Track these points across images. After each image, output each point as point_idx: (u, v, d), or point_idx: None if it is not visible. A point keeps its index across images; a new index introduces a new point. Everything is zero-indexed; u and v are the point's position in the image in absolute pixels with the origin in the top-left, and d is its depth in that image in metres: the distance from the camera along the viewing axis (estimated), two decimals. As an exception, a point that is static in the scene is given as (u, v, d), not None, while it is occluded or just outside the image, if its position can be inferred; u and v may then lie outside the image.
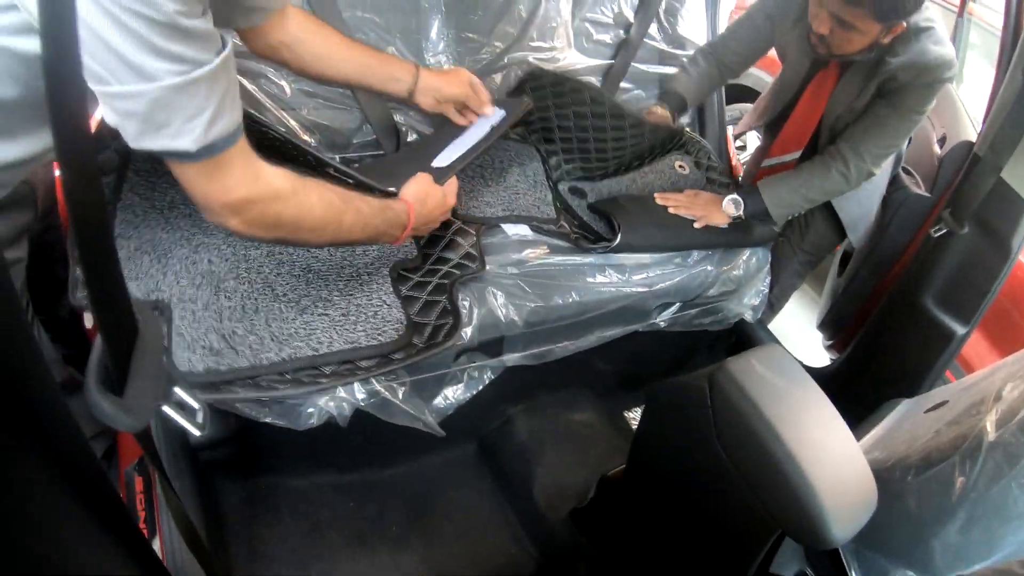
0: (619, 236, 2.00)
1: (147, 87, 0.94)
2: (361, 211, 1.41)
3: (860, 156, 2.10)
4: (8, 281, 0.61)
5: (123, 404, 0.63)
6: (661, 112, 2.34)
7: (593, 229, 2.14)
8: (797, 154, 2.44)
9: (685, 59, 2.48)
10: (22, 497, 0.62)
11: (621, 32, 2.44)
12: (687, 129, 2.63)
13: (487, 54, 2.18)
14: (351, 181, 1.58)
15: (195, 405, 0.79)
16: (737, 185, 2.61)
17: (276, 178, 1.22)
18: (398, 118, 2.11)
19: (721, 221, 2.20)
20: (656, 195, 2.26)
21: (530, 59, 2.25)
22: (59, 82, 0.52)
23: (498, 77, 2.23)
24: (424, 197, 1.62)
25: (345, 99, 2.02)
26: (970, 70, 3.29)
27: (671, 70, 2.54)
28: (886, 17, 1.83)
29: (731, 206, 2.21)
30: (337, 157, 1.96)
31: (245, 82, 1.91)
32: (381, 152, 2.10)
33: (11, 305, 0.61)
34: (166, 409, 0.73)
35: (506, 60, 2.22)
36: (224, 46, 1.03)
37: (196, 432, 0.80)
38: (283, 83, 1.94)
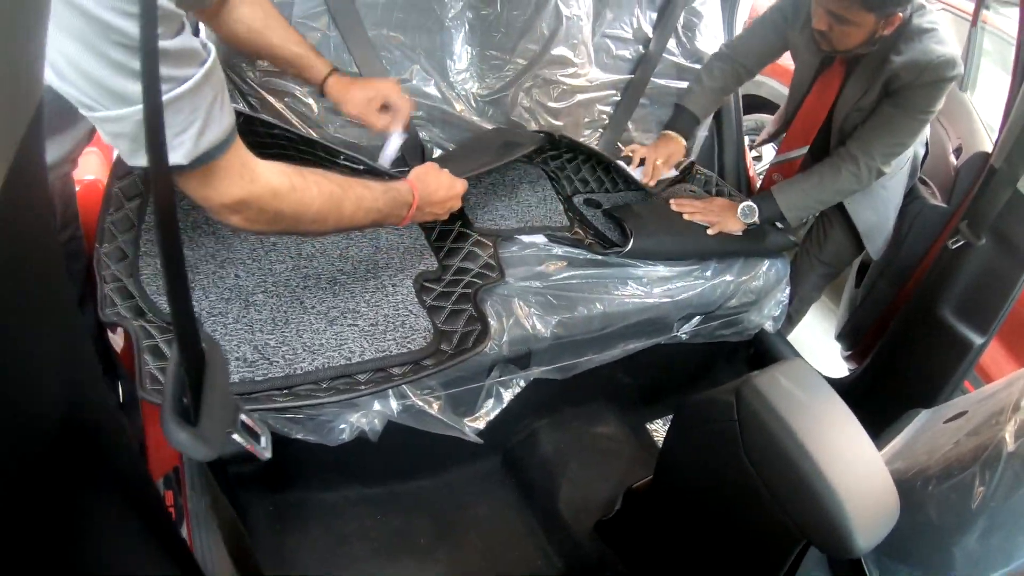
0: (631, 241, 2.04)
1: (131, 110, 0.94)
2: (362, 197, 1.42)
3: (869, 154, 2.12)
4: (72, 299, 0.64)
5: (199, 434, 0.65)
6: (671, 148, 2.42)
7: (607, 237, 2.18)
8: (804, 150, 2.50)
9: (701, 67, 2.52)
10: (91, 526, 0.66)
11: (640, 47, 2.47)
12: (696, 166, 2.69)
13: (510, 71, 2.22)
14: (361, 168, 1.65)
15: (259, 430, 0.81)
16: (751, 194, 2.65)
17: (273, 176, 1.22)
18: (423, 135, 2.15)
19: (736, 227, 2.23)
20: (671, 201, 2.30)
21: (558, 76, 2.30)
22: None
23: (519, 95, 2.27)
24: (426, 176, 1.63)
25: (372, 118, 2.05)
26: (984, 78, 3.29)
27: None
28: (874, 7, 1.87)
29: (745, 212, 2.24)
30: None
31: (272, 100, 1.95)
32: (406, 168, 2.14)
33: (75, 324, 0.64)
34: (235, 436, 0.75)
35: (528, 76, 2.25)
36: (207, 57, 1.02)
37: (263, 457, 0.82)
38: (310, 101, 1.98)
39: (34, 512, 0.58)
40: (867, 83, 2.13)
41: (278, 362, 1.53)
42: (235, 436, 0.75)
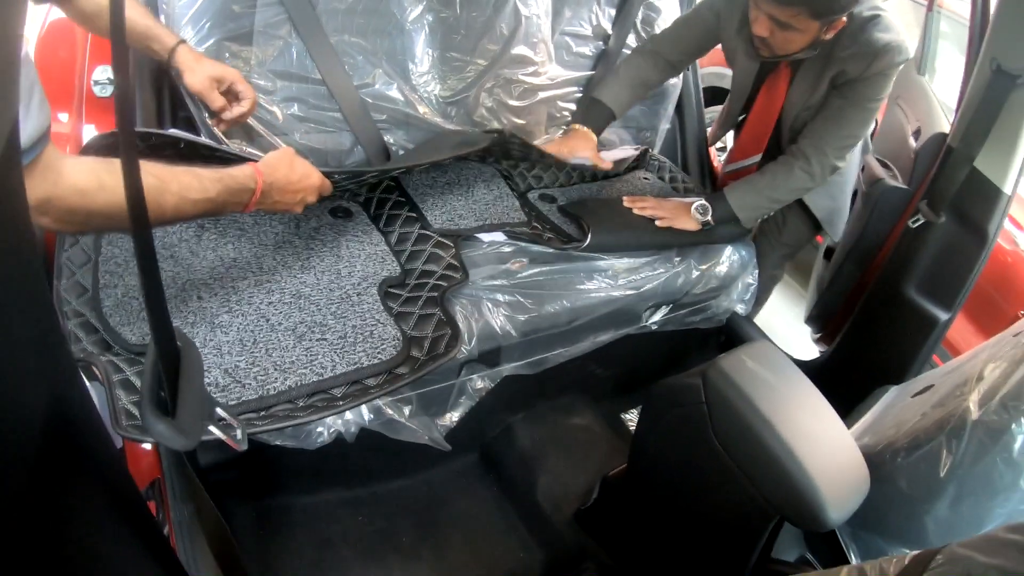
0: (589, 236, 2.06)
1: None
2: (189, 187, 1.31)
3: (822, 151, 2.11)
4: (54, 314, 0.65)
5: (177, 425, 0.66)
6: (575, 143, 2.26)
7: (564, 232, 2.19)
8: (757, 157, 2.49)
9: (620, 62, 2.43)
10: (74, 523, 0.67)
11: (600, 43, 2.49)
12: (650, 151, 2.69)
13: (471, 72, 2.23)
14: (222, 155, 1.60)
15: (234, 423, 0.82)
16: (715, 189, 2.66)
17: (80, 175, 1.12)
18: (387, 138, 2.16)
19: (690, 226, 2.23)
20: (624, 198, 2.30)
21: (519, 75, 2.31)
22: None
23: (481, 95, 2.29)
24: (278, 162, 1.53)
25: (336, 122, 2.06)
26: (942, 61, 3.33)
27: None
28: (821, 14, 1.84)
29: (699, 212, 2.23)
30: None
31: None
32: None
33: (59, 335, 0.65)
34: (211, 428, 0.77)
35: (489, 77, 2.27)
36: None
37: (238, 448, 0.83)
38: (275, 109, 1.98)
39: (16, 508, 0.59)
40: (815, 81, 2.12)
41: (250, 384, 1.50)
42: (211, 427, 0.77)
